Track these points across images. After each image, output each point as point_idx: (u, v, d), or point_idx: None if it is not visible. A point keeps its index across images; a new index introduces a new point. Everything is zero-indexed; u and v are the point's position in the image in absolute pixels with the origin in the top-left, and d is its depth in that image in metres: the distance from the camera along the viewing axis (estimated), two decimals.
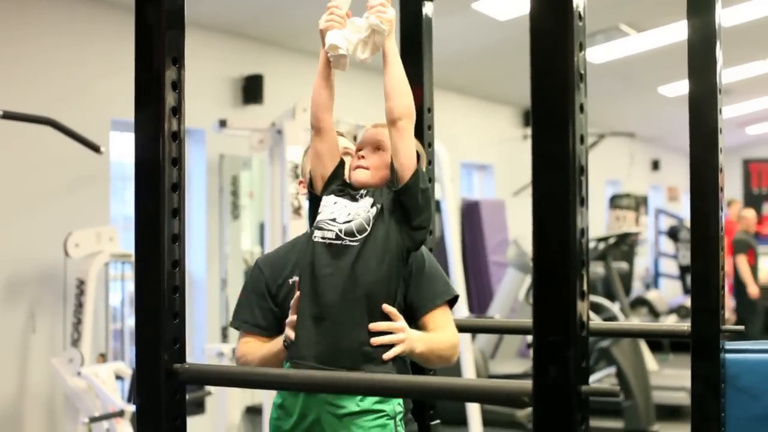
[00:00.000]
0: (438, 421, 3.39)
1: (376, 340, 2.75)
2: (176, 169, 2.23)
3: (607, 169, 16.61)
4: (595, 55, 11.11)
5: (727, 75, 13.44)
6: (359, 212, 2.83)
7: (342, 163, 2.97)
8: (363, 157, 2.95)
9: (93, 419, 5.77)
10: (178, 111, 2.24)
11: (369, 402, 2.76)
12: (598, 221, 16.04)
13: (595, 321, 9.09)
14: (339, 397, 2.73)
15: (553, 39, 1.89)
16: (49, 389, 6.78)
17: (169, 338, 2.21)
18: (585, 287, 1.84)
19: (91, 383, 5.89)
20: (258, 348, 3.04)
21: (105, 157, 7.36)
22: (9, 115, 5.52)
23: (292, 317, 2.89)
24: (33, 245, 6.81)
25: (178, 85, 2.24)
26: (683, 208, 18.19)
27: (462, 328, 3.13)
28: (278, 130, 7.02)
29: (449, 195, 8.55)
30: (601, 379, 9.55)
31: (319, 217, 2.86)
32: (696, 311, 3.08)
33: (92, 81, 7.31)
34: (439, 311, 3.08)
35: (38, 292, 6.78)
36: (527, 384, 1.87)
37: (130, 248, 6.68)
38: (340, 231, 2.80)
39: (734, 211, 13.26)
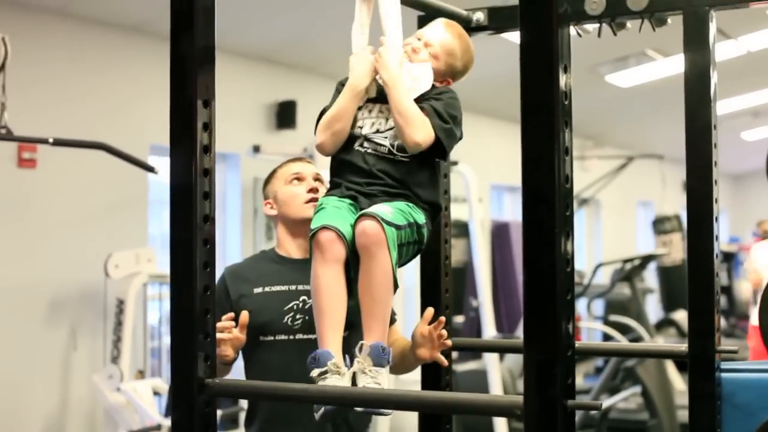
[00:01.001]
0: None
1: None
2: (207, 202, 2.44)
3: (638, 191, 16.71)
4: (624, 79, 11.28)
5: (758, 97, 13.54)
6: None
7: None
8: (416, 50, 2.98)
9: None
10: (209, 149, 2.46)
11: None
12: (628, 242, 16.14)
13: (621, 342, 9.26)
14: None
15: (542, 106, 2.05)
16: (90, 404, 7.00)
17: (201, 355, 2.42)
18: (571, 311, 2.04)
19: (130, 398, 6.10)
20: None
21: (143, 180, 7.62)
22: (61, 142, 5.67)
23: (227, 336, 3.03)
24: (74, 266, 7.05)
25: (209, 126, 2.46)
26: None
27: (491, 347, 3.27)
28: (310, 155, 7.21)
29: (477, 216, 8.71)
30: (627, 398, 9.65)
31: (362, 131, 2.89)
32: (692, 332, 3.27)
33: (130, 106, 7.55)
34: (394, 326, 3.34)
35: (79, 311, 7.02)
36: (519, 398, 2.06)
37: (167, 269, 6.90)
38: (392, 146, 2.86)
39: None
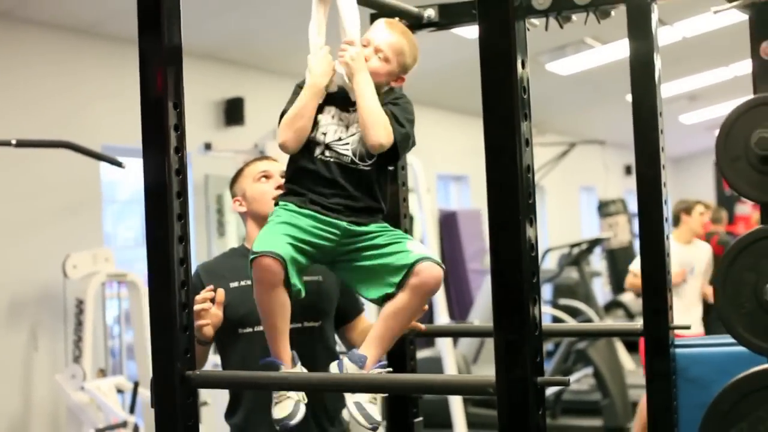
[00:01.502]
0: (421, 418, 3.65)
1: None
2: (180, 201, 2.54)
3: (581, 177, 16.92)
4: (564, 67, 11.44)
5: (694, 81, 13.80)
6: (354, 127, 2.97)
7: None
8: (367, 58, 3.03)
9: (99, 431, 6.03)
10: (179, 150, 2.56)
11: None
12: (573, 227, 16.36)
13: (571, 323, 9.44)
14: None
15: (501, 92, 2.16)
16: (52, 404, 7.04)
17: (181, 349, 2.51)
18: (537, 294, 2.16)
19: (94, 397, 6.14)
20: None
21: (96, 181, 7.66)
22: (24, 143, 5.70)
23: (207, 306, 3.17)
24: (33, 268, 7.08)
25: (179, 127, 2.56)
26: None
27: (444, 332, 3.40)
28: (261, 151, 7.28)
29: (426, 206, 8.83)
30: (579, 379, 9.85)
31: (326, 138, 2.97)
32: (647, 311, 3.41)
33: (82, 108, 7.58)
34: (363, 315, 3.56)
35: (39, 312, 7.05)
36: (491, 377, 2.18)
37: (124, 268, 6.97)
38: (354, 154, 2.95)
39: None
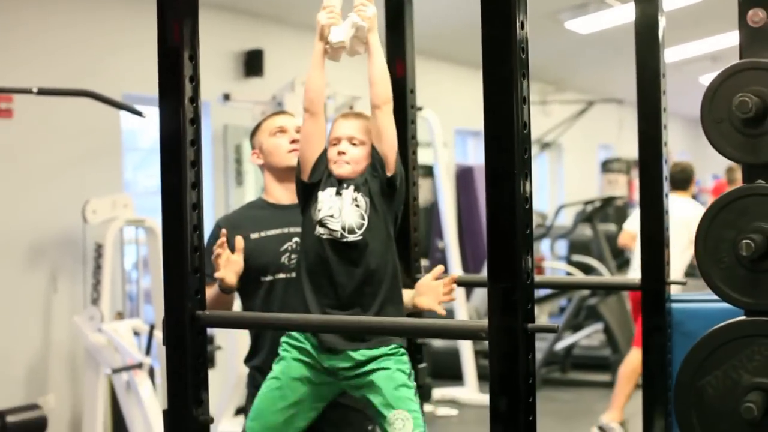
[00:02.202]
0: (425, 364, 3.82)
1: None
2: (194, 149, 2.66)
3: (599, 135, 16.95)
4: (584, 25, 11.47)
5: (717, 42, 13.74)
6: (346, 205, 3.17)
7: (326, 150, 3.28)
8: (343, 152, 3.23)
9: (115, 370, 6.17)
10: (194, 100, 2.67)
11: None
12: (590, 185, 16.41)
13: (568, 277, 9.51)
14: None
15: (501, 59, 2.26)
16: (71, 345, 7.20)
17: (192, 290, 2.65)
18: (529, 245, 2.27)
19: (111, 338, 6.26)
20: (210, 293, 3.28)
21: (116, 129, 7.78)
22: (45, 91, 5.76)
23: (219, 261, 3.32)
24: (53, 213, 7.21)
25: (194, 78, 2.67)
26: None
27: (458, 283, 3.49)
28: (279, 103, 7.36)
29: (442, 160, 8.93)
30: (590, 335, 9.96)
31: (320, 214, 3.18)
32: (645, 266, 3.51)
33: (105, 58, 7.67)
34: None
35: (59, 255, 7.20)
36: (484, 322, 2.30)
37: (142, 214, 7.09)
38: (343, 228, 3.15)
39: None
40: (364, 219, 3.16)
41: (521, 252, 2.24)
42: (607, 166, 14.96)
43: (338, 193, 3.19)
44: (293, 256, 3.51)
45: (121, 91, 7.59)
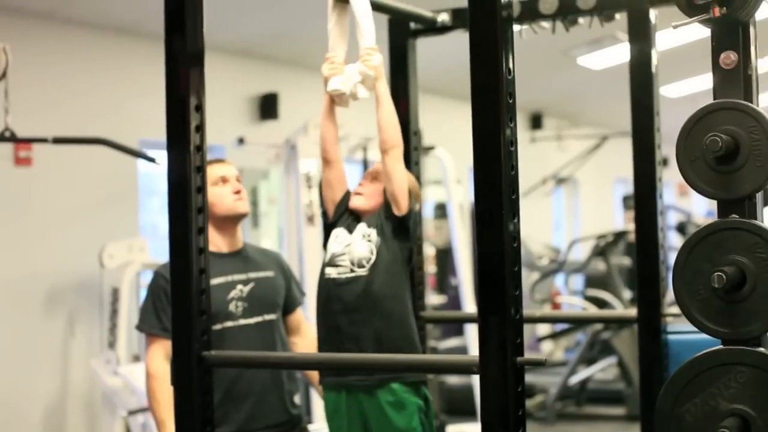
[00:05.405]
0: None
1: None
2: (200, 195, 2.77)
3: (615, 169, 16.95)
4: (596, 61, 11.56)
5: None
6: (356, 240, 3.35)
7: (348, 192, 3.49)
8: (361, 185, 3.45)
9: (131, 412, 6.23)
10: (200, 149, 2.79)
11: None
12: (607, 219, 16.43)
13: (576, 311, 9.57)
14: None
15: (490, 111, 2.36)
16: (88, 388, 7.31)
17: (199, 331, 2.75)
18: (518, 281, 2.36)
19: (127, 381, 6.32)
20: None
21: (133, 174, 7.90)
22: (61, 140, 5.87)
23: None
24: (71, 258, 7.32)
25: (200, 128, 2.79)
26: (693, 204, 18.45)
27: (471, 319, 3.55)
28: (292, 146, 7.43)
29: (455, 197, 9.00)
30: (604, 368, 9.98)
31: (328, 255, 3.37)
32: (641, 300, 3.61)
33: (121, 104, 7.80)
34: (299, 308, 3.88)
35: (76, 300, 7.31)
36: (475, 357, 2.39)
37: (159, 257, 7.18)
38: (352, 263, 3.31)
39: None
40: (372, 254, 3.30)
41: (510, 289, 2.33)
42: (627, 203, 14.93)
43: (351, 230, 3.36)
44: (239, 304, 3.59)
45: (138, 137, 7.70)
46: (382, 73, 3.38)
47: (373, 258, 3.31)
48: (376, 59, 3.35)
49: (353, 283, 3.30)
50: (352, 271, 3.30)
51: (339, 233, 3.40)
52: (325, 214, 3.48)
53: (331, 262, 3.35)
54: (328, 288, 3.34)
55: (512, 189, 2.36)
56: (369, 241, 3.32)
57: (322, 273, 3.39)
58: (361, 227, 3.38)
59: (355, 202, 3.44)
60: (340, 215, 3.44)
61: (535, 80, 11.60)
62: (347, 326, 3.28)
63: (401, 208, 3.33)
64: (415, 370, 2.86)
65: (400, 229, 3.35)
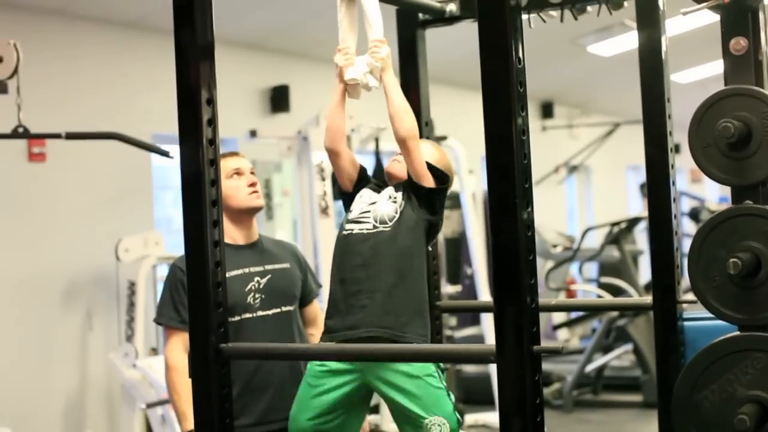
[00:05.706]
0: None
1: None
2: (214, 188, 2.77)
3: (627, 156, 16.92)
4: (606, 49, 11.55)
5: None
6: (382, 199, 3.37)
7: (364, 168, 3.52)
8: (401, 154, 3.44)
9: (149, 405, 6.27)
10: (213, 142, 2.79)
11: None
12: (620, 206, 16.39)
13: (582, 299, 9.55)
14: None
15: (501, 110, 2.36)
16: (107, 381, 7.36)
17: (215, 324, 2.75)
18: (533, 270, 2.36)
19: (146, 374, 6.36)
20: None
21: (147, 168, 7.93)
22: (73, 135, 5.87)
23: None
24: (87, 252, 7.36)
25: (212, 122, 2.79)
26: (706, 190, 18.39)
27: (487, 309, 3.56)
28: (304, 137, 7.44)
29: (468, 187, 9.00)
30: (620, 356, 9.96)
31: (351, 215, 3.39)
32: (656, 286, 3.59)
33: (133, 98, 7.84)
34: (315, 300, 3.85)
35: (94, 294, 7.35)
36: (492, 346, 2.38)
37: (174, 251, 7.20)
38: (375, 219, 3.33)
39: None
40: (396, 213, 3.32)
41: (525, 277, 2.33)
42: (644, 190, 14.85)
43: (376, 191, 3.42)
44: (257, 296, 3.60)
45: (150, 131, 7.72)
46: (389, 65, 3.38)
47: (397, 216, 3.32)
48: (384, 51, 3.36)
49: (374, 238, 3.31)
50: (374, 227, 3.32)
51: (364, 193, 3.43)
52: (343, 192, 3.50)
53: (353, 219, 3.37)
54: (347, 242, 3.35)
55: (525, 177, 2.36)
56: (394, 202, 3.35)
57: (342, 230, 3.40)
58: (389, 189, 3.41)
59: (393, 167, 3.47)
60: (363, 186, 3.48)
61: (544, 69, 11.58)
62: (365, 280, 3.28)
63: (427, 183, 3.36)
64: (434, 360, 2.86)
65: (427, 201, 3.37)
